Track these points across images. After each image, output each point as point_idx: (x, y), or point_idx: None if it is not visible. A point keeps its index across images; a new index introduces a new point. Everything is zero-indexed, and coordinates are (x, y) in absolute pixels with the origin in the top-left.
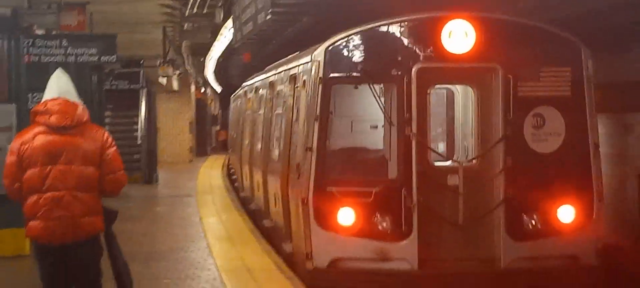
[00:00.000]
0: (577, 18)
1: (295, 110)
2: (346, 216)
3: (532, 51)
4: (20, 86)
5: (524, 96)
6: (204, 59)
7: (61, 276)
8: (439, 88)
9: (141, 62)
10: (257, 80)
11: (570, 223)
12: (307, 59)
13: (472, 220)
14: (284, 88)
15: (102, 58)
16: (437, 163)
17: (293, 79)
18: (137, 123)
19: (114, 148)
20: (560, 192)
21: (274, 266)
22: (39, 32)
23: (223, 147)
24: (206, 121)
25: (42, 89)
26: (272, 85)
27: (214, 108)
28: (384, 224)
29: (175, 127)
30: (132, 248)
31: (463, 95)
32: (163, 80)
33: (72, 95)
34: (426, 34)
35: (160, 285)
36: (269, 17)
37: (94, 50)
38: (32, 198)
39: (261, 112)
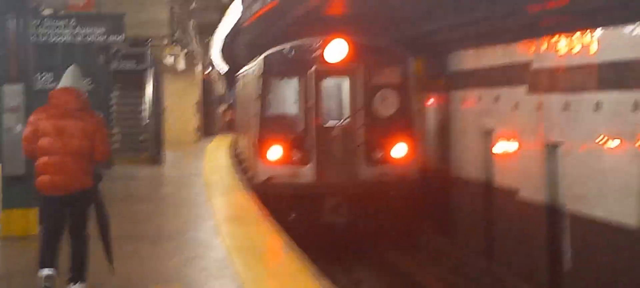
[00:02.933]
0: (410, 37)
1: (251, 93)
2: (275, 152)
3: (378, 58)
4: (28, 66)
5: (374, 83)
6: (211, 38)
7: (59, 219)
8: (332, 80)
9: (148, 42)
10: (242, 71)
11: (400, 156)
12: (255, 62)
13: (345, 154)
14: (248, 79)
15: (109, 38)
16: (330, 123)
17: (250, 74)
18: (143, 103)
19: (105, 128)
20: (394, 138)
21: (283, 245)
22: (47, 12)
23: (229, 127)
24: (213, 101)
25: (49, 69)
26: (245, 76)
27: (221, 88)
28: (296, 157)
29: (182, 107)
30: (140, 228)
31: (345, 84)
32: (170, 60)
33: (79, 85)
34: (319, 48)
35: (167, 265)
36: None
37: (101, 30)
38: (43, 159)
39: (243, 94)
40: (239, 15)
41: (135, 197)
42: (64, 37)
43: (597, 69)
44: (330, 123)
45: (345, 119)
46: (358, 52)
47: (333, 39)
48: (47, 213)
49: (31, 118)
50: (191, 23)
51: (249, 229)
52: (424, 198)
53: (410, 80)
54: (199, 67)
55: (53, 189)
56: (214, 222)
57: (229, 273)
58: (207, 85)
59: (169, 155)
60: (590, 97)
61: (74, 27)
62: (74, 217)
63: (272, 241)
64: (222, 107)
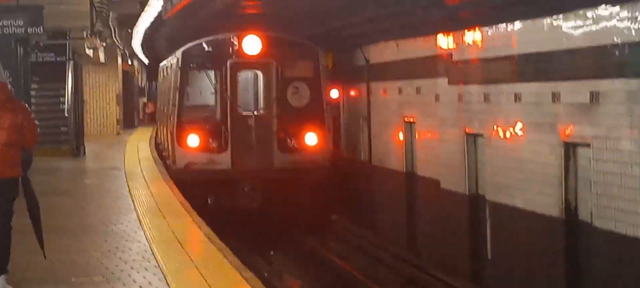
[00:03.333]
0: (320, 33)
1: (170, 84)
2: (193, 140)
3: (291, 52)
4: None
5: (287, 76)
6: (132, 30)
7: None
8: (246, 73)
9: (68, 33)
10: (163, 63)
11: (312, 144)
12: (175, 55)
13: (259, 142)
14: (168, 71)
15: (28, 30)
16: (244, 113)
17: (170, 66)
18: (64, 95)
19: (32, 116)
20: (306, 127)
21: (205, 238)
22: None
23: (151, 119)
24: (133, 93)
25: None
26: (165, 68)
27: (141, 80)
28: (213, 144)
29: (103, 100)
30: (61, 221)
31: (260, 76)
32: (90, 52)
33: (3, 79)
34: (235, 42)
35: (89, 257)
36: None
37: (20, 22)
38: None
39: (163, 86)
40: (159, 8)
41: (57, 189)
42: None
43: (516, 61)
44: (246, 113)
45: (260, 110)
46: (271, 47)
47: (247, 34)
48: None
49: None
50: (111, 15)
51: (170, 221)
52: (333, 184)
53: (321, 74)
54: (120, 60)
55: None
56: (135, 215)
57: (151, 265)
58: (127, 77)
59: (89, 147)
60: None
61: None
62: (1, 205)
63: (194, 233)
64: (143, 99)
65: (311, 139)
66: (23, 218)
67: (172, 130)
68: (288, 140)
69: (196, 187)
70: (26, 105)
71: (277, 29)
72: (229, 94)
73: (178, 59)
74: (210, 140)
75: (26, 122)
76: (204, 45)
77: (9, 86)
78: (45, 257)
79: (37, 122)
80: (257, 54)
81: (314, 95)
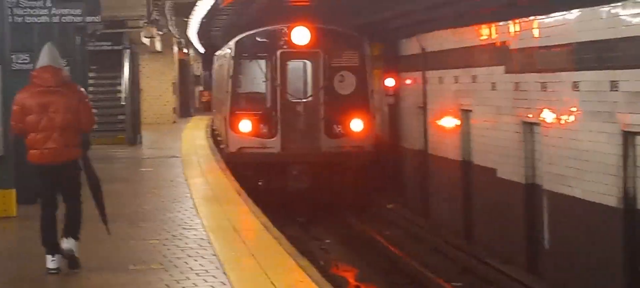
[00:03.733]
0: (365, 24)
1: (224, 73)
2: (245, 125)
3: (337, 43)
4: (4, 47)
5: (334, 66)
6: (188, 19)
7: (52, 187)
8: (296, 62)
9: (125, 22)
10: (218, 52)
11: (357, 130)
12: (228, 45)
13: (307, 127)
14: (223, 60)
15: (86, 19)
16: (294, 100)
17: (224, 55)
18: (120, 84)
19: (87, 99)
20: (352, 114)
21: (261, 226)
22: None
23: (206, 107)
24: (189, 82)
25: (25, 50)
26: (220, 58)
27: (197, 68)
28: (264, 129)
29: (159, 88)
30: (119, 209)
31: (309, 65)
32: (146, 41)
33: (58, 63)
34: (285, 33)
35: (147, 245)
36: None
37: (78, 11)
38: (31, 135)
39: (218, 74)
40: None
41: (114, 177)
42: (40, 17)
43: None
44: (295, 100)
45: (308, 97)
46: (319, 38)
47: (297, 25)
48: (41, 184)
49: (17, 98)
50: (167, 4)
51: (227, 209)
52: (377, 168)
53: (366, 62)
54: (176, 48)
55: (43, 161)
56: (192, 202)
57: (207, 253)
58: (184, 66)
59: (146, 135)
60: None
61: (51, 8)
62: (65, 186)
63: (250, 221)
64: (199, 88)
65: (356, 124)
66: (84, 205)
67: (225, 116)
68: (334, 125)
69: (248, 170)
70: (81, 88)
71: (326, 20)
72: (279, 82)
73: (231, 49)
74: (262, 125)
75: (82, 104)
76: (256, 36)
77: (65, 71)
78: (108, 232)
79: (92, 105)
80: (306, 45)
81: (359, 84)
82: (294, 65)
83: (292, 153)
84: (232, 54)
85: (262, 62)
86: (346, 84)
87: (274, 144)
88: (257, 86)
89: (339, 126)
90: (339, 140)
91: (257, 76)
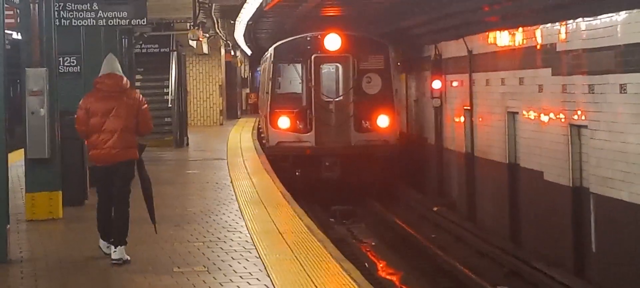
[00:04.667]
0: (390, 31)
1: (266, 75)
2: (283, 122)
3: (365, 48)
4: (51, 50)
5: (362, 68)
6: (234, 21)
7: (108, 186)
8: (328, 66)
9: (171, 25)
10: (263, 57)
11: (383, 125)
12: (269, 51)
13: (338, 123)
14: (265, 64)
15: (132, 21)
16: (326, 99)
17: (265, 59)
18: (167, 86)
19: (146, 105)
20: (378, 110)
21: (305, 228)
22: None
23: (253, 110)
24: (236, 84)
25: (72, 53)
26: (263, 61)
27: (244, 71)
28: (300, 126)
29: (206, 90)
30: (164, 211)
31: (340, 68)
32: (193, 44)
33: (119, 71)
34: (318, 40)
35: (191, 247)
36: None
37: (124, 14)
38: (94, 136)
39: (262, 76)
40: None
41: (160, 179)
42: (87, 20)
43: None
44: (327, 99)
45: (339, 96)
46: (349, 44)
47: (329, 33)
48: (99, 182)
49: (82, 102)
50: (214, 6)
51: (272, 211)
52: (402, 160)
53: (390, 66)
54: (223, 51)
55: (103, 161)
56: (237, 205)
57: (251, 256)
58: (230, 68)
59: (192, 137)
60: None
61: (97, 11)
62: (118, 185)
63: (295, 223)
64: (246, 90)
65: (382, 121)
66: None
67: (266, 114)
68: (362, 122)
69: (285, 162)
70: (141, 95)
71: (357, 28)
72: (313, 83)
73: (271, 54)
74: (298, 122)
75: (140, 109)
76: (293, 42)
77: (125, 79)
78: (156, 231)
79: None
80: (337, 50)
81: (384, 84)
82: (327, 68)
83: (325, 146)
84: (272, 59)
85: (298, 66)
86: (373, 85)
87: (309, 138)
88: (294, 87)
89: (366, 122)
90: (367, 134)
91: (294, 78)
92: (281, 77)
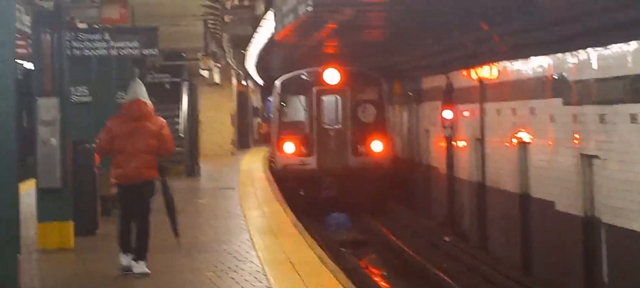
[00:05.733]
0: (384, 66)
1: (273, 106)
2: (289, 147)
3: (360, 81)
4: (63, 80)
5: (358, 99)
6: (245, 51)
7: (131, 202)
8: (328, 97)
9: (183, 55)
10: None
11: (377, 150)
12: (275, 84)
13: (338, 148)
14: (273, 96)
15: (144, 51)
16: (326, 126)
17: (273, 91)
18: (179, 116)
19: (167, 129)
20: (373, 136)
21: (317, 259)
22: (81, 25)
23: (265, 139)
24: (248, 113)
25: (84, 82)
26: (272, 92)
27: (256, 100)
28: (304, 150)
29: (217, 120)
30: (175, 239)
31: (338, 99)
32: (205, 73)
33: (144, 97)
34: (319, 74)
35: (202, 277)
36: (309, 8)
37: (135, 44)
38: (118, 157)
39: (272, 106)
40: (271, 30)
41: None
42: (98, 50)
43: None
44: (328, 127)
45: (338, 124)
46: (346, 77)
47: (328, 67)
48: (122, 199)
49: (108, 124)
50: (225, 36)
51: (283, 242)
52: (394, 181)
53: (384, 96)
54: (234, 80)
55: (126, 179)
56: (249, 235)
57: (262, 286)
58: (242, 97)
59: (204, 167)
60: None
61: (109, 41)
62: (139, 203)
63: (306, 253)
64: (258, 120)
65: (376, 146)
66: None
67: (274, 140)
68: (359, 146)
69: (291, 182)
70: (162, 119)
71: (350, 63)
72: (315, 112)
73: (277, 86)
74: (302, 147)
75: (162, 132)
76: (297, 76)
77: (150, 104)
78: (179, 243)
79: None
80: (336, 84)
81: (378, 113)
82: (327, 99)
83: (326, 168)
84: (278, 91)
85: (302, 97)
86: (368, 114)
87: (312, 161)
88: (298, 116)
89: (362, 147)
90: (363, 158)
91: (298, 108)
92: (287, 107)
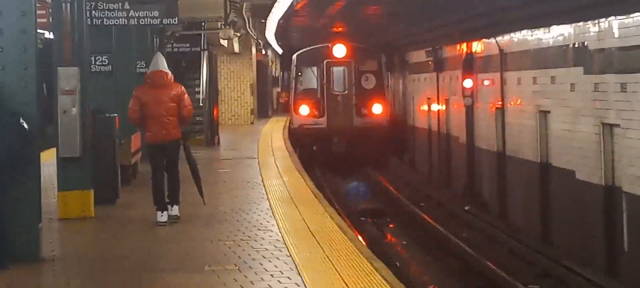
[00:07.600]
0: (383, 43)
1: (290, 76)
2: (303, 110)
3: (363, 55)
4: (82, 49)
5: (361, 69)
6: (265, 20)
7: (161, 160)
8: (336, 68)
9: (203, 24)
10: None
11: (378, 111)
12: (292, 57)
13: (344, 110)
14: (291, 67)
15: (163, 21)
16: (335, 93)
17: (290, 63)
18: (198, 85)
19: (187, 94)
20: (373, 101)
21: (337, 227)
22: None
23: (284, 108)
24: (267, 83)
25: (104, 52)
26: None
27: (275, 70)
28: (316, 112)
29: (237, 90)
30: (195, 210)
31: (345, 70)
32: (224, 43)
33: (165, 68)
34: (329, 49)
35: (222, 246)
36: None
37: (155, 13)
38: (147, 121)
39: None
40: None
41: (191, 178)
42: (118, 20)
43: None
44: (336, 93)
45: (345, 91)
46: (351, 51)
47: (337, 43)
48: (153, 158)
49: (134, 92)
50: (245, 5)
51: (303, 210)
52: (392, 138)
53: (382, 67)
54: (254, 50)
55: (155, 140)
56: (268, 204)
57: (282, 255)
58: (261, 67)
59: (224, 136)
60: None
61: (129, 10)
62: (168, 159)
63: (325, 222)
64: (277, 89)
65: (376, 108)
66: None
67: (291, 104)
68: (362, 109)
69: (305, 139)
70: (182, 87)
71: (355, 39)
72: (325, 81)
73: (294, 59)
74: (314, 110)
75: (182, 98)
76: (310, 50)
77: (170, 74)
78: (204, 203)
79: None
80: (343, 57)
81: (377, 81)
82: (336, 69)
83: (335, 127)
84: (295, 63)
85: (315, 68)
86: (369, 82)
87: (323, 122)
88: (311, 84)
89: (365, 109)
90: (365, 118)
91: (311, 77)
92: (301, 77)
